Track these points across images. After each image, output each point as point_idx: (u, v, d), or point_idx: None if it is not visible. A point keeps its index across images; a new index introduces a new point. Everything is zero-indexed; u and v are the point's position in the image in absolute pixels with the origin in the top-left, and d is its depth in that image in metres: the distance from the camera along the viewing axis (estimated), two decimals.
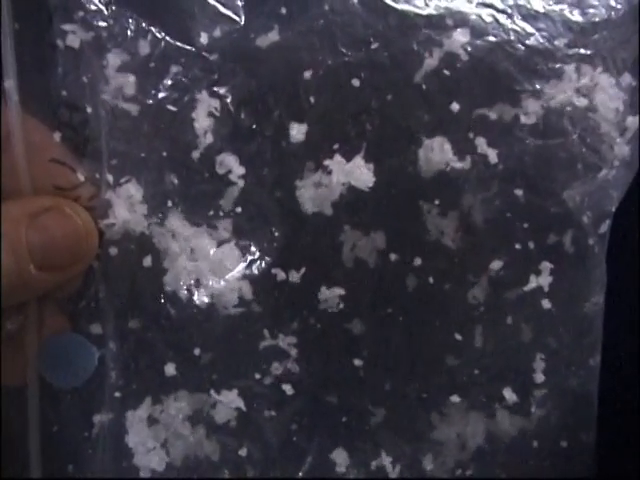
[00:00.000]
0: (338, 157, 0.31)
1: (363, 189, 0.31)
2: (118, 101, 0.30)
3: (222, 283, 0.31)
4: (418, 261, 0.32)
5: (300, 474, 0.33)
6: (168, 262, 0.31)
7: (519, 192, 0.31)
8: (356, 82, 0.30)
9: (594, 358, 0.33)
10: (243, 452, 0.32)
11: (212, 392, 0.31)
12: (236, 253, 0.31)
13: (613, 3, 0.32)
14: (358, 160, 0.31)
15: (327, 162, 0.31)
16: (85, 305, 0.31)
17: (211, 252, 0.31)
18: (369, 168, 0.31)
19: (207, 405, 0.32)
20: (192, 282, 0.31)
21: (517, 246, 0.32)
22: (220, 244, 0.31)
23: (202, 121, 0.30)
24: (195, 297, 0.31)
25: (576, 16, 0.31)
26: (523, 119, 0.31)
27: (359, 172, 0.30)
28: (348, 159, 0.31)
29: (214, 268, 0.31)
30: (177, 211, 0.31)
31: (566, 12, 0.31)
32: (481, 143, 0.31)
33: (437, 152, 0.31)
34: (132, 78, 0.29)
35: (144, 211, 0.30)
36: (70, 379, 0.30)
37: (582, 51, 0.31)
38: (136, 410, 0.32)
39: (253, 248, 0.31)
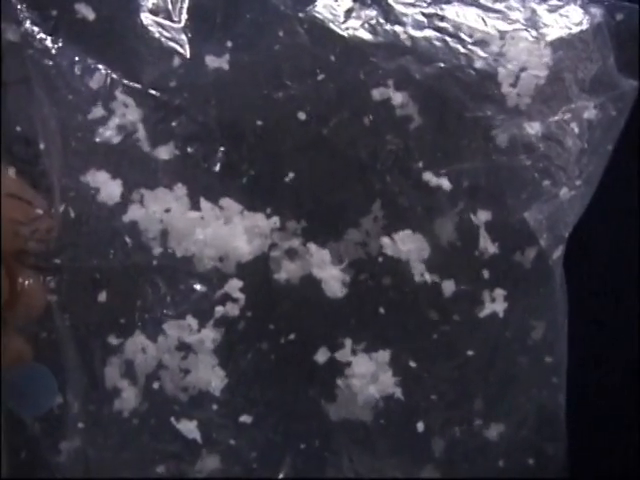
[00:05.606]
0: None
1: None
2: (67, 138, 0.30)
3: None
4: (376, 285, 0.32)
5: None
6: None
7: (480, 214, 0.31)
8: (302, 115, 0.30)
9: (558, 377, 0.33)
10: None
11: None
12: None
13: (569, 22, 0.31)
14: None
15: None
16: (47, 336, 0.31)
17: None
18: None
19: None
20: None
21: (473, 270, 0.32)
22: None
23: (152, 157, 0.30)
24: None
25: (530, 36, 0.31)
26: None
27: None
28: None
29: None
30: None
31: (520, 33, 0.31)
32: (434, 172, 0.31)
33: (390, 183, 0.31)
34: (80, 116, 0.30)
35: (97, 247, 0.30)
36: (32, 408, 0.31)
37: (536, 73, 0.31)
38: None
39: None
